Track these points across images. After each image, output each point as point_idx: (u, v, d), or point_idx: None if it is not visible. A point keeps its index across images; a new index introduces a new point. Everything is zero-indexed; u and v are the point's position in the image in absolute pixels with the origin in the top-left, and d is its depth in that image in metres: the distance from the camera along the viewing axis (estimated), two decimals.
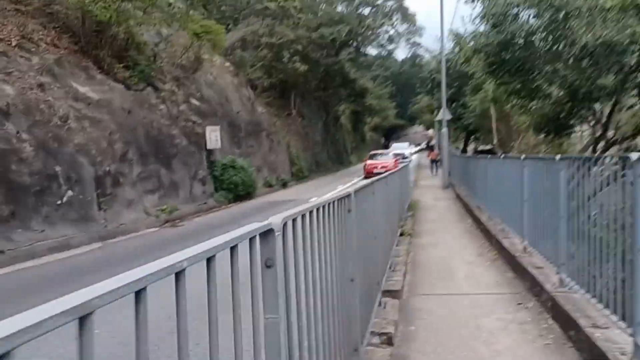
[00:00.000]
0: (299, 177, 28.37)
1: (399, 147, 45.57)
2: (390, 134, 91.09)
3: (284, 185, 24.63)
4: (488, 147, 31.57)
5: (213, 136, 17.75)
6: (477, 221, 9.71)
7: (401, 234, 8.06)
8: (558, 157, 4.60)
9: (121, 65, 14.33)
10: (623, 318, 3.18)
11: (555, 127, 10.30)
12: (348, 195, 2.81)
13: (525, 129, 14.86)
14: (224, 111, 20.44)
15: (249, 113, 23.43)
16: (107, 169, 11.67)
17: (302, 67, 28.46)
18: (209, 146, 17.53)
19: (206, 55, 20.59)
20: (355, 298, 3.01)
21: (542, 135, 12.15)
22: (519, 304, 4.75)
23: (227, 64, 24.01)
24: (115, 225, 11.28)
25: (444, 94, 18.56)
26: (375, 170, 20.94)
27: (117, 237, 10.89)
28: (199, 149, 16.63)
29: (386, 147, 62.19)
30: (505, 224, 7.27)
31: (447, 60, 20.48)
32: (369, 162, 27.73)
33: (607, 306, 3.43)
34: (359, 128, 60.40)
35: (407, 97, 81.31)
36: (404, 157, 30.50)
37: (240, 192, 17.99)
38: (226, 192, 17.43)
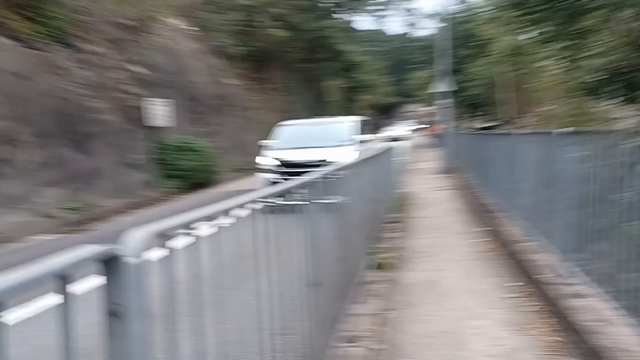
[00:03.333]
0: None
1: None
2: (386, 112, 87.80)
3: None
4: (491, 124, 28.14)
5: (160, 111, 14.34)
6: (498, 235, 6.39)
7: (378, 266, 4.76)
8: None
9: (20, 16, 10.83)
10: None
11: (627, 84, 6.72)
12: None
13: (547, 96, 11.43)
14: (180, 82, 16.99)
15: (216, 85, 19.96)
16: None
17: (283, 34, 24.85)
18: (153, 123, 14.14)
19: (158, 14, 17.07)
20: None
21: (594, 100, 8.72)
22: None
23: (190, 27, 20.43)
24: None
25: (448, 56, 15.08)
26: None
27: None
28: (137, 127, 13.23)
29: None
30: (576, 265, 3.85)
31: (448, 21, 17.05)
32: None
33: None
34: (352, 106, 56.85)
35: (403, 74, 77.52)
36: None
37: (196, 179, 14.64)
38: (176, 180, 14.08)
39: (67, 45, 11.90)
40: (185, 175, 14.25)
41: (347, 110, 55.48)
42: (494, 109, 18.52)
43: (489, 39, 14.36)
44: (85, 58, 12.27)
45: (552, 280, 4.06)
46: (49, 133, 10.16)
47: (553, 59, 9.10)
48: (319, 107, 39.40)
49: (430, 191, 11.97)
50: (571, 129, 4.15)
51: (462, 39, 18.79)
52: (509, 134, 7.01)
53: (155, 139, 14.25)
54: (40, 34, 11.02)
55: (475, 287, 4.74)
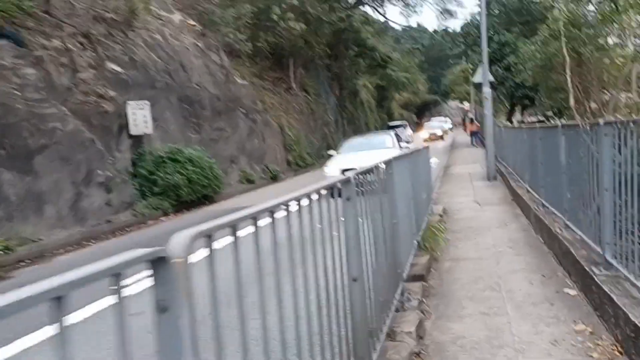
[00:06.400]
0: (300, 166, 22.45)
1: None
2: (423, 111, 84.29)
3: (274, 178, 18.79)
4: (542, 117, 24.72)
5: (139, 116, 12.02)
6: (613, 315, 3.53)
7: None
8: None
9: None
10: None
11: None
12: None
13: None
14: (173, 82, 14.68)
15: (220, 86, 17.60)
16: None
17: (299, 27, 22.30)
18: (134, 131, 11.83)
19: (148, 5, 14.86)
20: None
21: None
22: None
23: (192, 22, 18.17)
24: None
25: (484, 34, 12.21)
26: None
27: None
28: (105, 136, 10.92)
29: (418, 125, 55.16)
30: None
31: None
32: None
33: None
34: (385, 105, 53.81)
35: (439, 71, 73.78)
36: None
37: (186, 196, 12.24)
38: (160, 198, 11.71)
39: (15, 40, 9.71)
40: (171, 193, 11.86)
41: (381, 108, 52.45)
42: (552, 96, 15.27)
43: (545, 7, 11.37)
44: (36, 55, 10.05)
45: None
46: None
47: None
48: (348, 107, 36.68)
49: (472, 207, 9.11)
50: None
51: (508, 15, 15.71)
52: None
53: (136, 150, 11.96)
54: None
55: None
